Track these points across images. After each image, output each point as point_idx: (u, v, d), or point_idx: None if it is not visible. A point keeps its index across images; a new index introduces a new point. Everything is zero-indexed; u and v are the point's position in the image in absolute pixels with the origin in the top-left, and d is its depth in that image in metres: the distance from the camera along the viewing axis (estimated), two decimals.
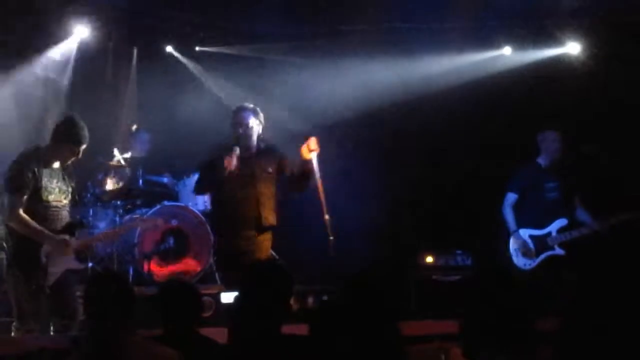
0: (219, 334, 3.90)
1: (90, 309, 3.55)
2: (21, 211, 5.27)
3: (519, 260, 7.11)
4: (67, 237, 5.44)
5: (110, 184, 8.26)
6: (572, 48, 9.06)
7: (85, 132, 5.49)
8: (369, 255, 7.99)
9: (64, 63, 9.17)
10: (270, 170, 6.13)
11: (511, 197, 7.25)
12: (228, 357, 3.42)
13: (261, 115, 6.22)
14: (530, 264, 7.06)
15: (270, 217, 6.14)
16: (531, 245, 7.07)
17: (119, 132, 9.70)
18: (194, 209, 8.00)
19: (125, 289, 3.58)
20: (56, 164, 5.50)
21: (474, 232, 8.37)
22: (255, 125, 6.15)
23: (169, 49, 9.84)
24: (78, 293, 5.56)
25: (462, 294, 2.61)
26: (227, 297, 6.80)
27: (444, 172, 9.13)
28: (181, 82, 9.75)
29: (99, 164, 8.23)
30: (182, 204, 8.09)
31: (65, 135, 5.46)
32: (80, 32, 9.04)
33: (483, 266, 7.72)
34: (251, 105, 6.22)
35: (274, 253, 7.82)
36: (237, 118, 6.13)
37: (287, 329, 3.40)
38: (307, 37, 9.35)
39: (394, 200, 9.09)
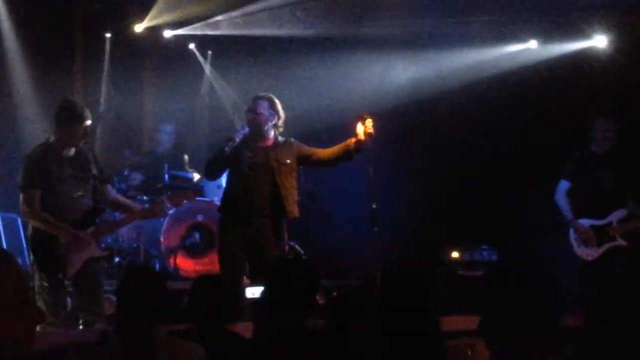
0: (244, 329, 3.91)
1: (124, 305, 3.55)
2: (35, 207, 5.30)
3: (581, 251, 6.97)
4: (82, 232, 5.40)
5: (136, 180, 8.32)
6: (599, 41, 8.97)
7: (85, 110, 5.48)
8: (395, 250, 7.96)
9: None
10: (288, 161, 6.07)
11: (564, 185, 7.09)
12: (253, 352, 3.42)
13: (278, 106, 6.13)
14: (593, 255, 6.94)
15: (294, 209, 6.11)
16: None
17: (144, 127, 9.77)
18: (218, 204, 8.02)
19: (159, 285, 3.58)
20: (70, 152, 5.46)
21: (501, 227, 8.33)
22: (268, 114, 6.07)
23: (191, 46, 9.88)
24: (106, 288, 5.58)
25: (485, 288, 2.59)
26: (252, 292, 6.82)
27: (471, 165, 9.07)
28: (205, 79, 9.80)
29: (124, 160, 8.29)
30: (207, 199, 8.11)
31: (67, 118, 5.42)
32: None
33: (505, 262, 7.69)
34: (268, 95, 6.17)
35: (298, 247, 7.86)
36: (251, 105, 6.11)
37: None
38: (331, 33, 9.33)
39: (420, 194, 9.05)
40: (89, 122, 5.45)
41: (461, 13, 8.86)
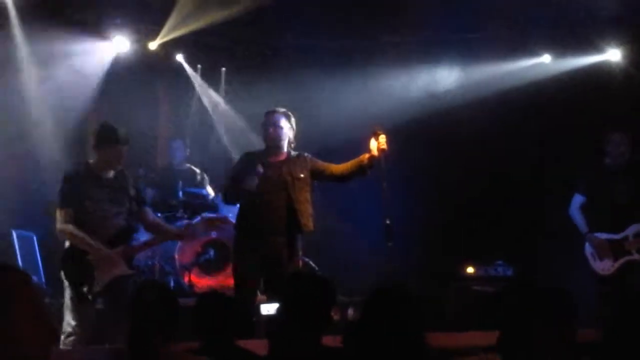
0: (259, 346, 3.90)
1: (135, 321, 3.55)
2: (68, 225, 5.44)
3: (597, 265, 6.92)
4: (111, 250, 5.50)
5: (149, 197, 8.34)
6: (613, 55, 8.96)
7: (124, 132, 5.62)
8: (407, 265, 7.94)
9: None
10: (302, 175, 6.03)
11: (579, 199, 7.07)
12: None
13: (293, 120, 6.13)
14: (608, 269, 6.88)
15: (309, 223, 6.05)
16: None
17: (157, 144, 9.82)
18: (233, 220, 8.02)
19: (170, 301, 3.58)
20: (108, 174, 5.61)
21: (516, 242, 8.30)
22: (286, 128, 6.06)
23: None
24: None
25: (501, 304, 2.59)
26: (267, 309, 6.82)
27: (486, 180, 9.05)
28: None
29: (138, 177, 8.32)
30: (222, 216, 8.11)
31: (104, 139, 5.57)
32: (119, 43, 9.18)
33: (521, 277, 7.65)
34: (283, 109, 6.15)
35: (312, 263, 7.86)
36: (268, 119, 6.05)
37: (327, 340, 3.39)
38: (346, 50, 9.38)
39: (436, 208, 9.04)
40: (125, 146, 5.60)
41: (475, 27, 8.87)
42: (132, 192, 5.70)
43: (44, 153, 8.54)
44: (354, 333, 2.74)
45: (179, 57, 9.78)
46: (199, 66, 10.05)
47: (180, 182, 8.41)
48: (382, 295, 2.90)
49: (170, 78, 10.16)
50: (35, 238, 7.94)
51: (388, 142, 5.80)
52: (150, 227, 5.98)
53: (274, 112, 6.08)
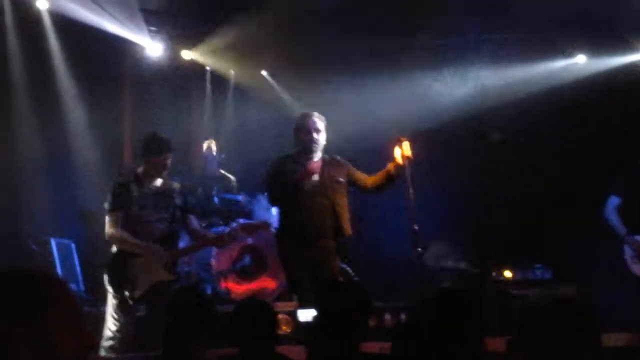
0: (297, 352, 3.91)
1: (169, 327, 3.57)
2: (116, 229, 5.59)
3: (637, 268, 6.83)
4: (160, 250, 5.65)
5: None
6: None
7: (169, 142, 5.76)
8: (446, 270, 7.91)
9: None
10: (341, 179, 6.00)
11: (615, 201, 6.98)
12: None
13: (325, 124, 6.13)
14: None
15: (348, 227, 6.03)
16: None
17: (194, 151, 9.88)
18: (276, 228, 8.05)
19: (207, 308, 3.60)
20: (155, 182, 5.76)
21: (554, 245, 8.22)
22: (324, 132, 6.06)
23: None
24: None
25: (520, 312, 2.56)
26: (305, 315, 6.82)
27: (521, 183, 8.98)
28: (252, 101, 9.89)
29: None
30: (262, 221, 8.13)
31: (147, 149, 5.74)
32: (154, 50, 9.28)
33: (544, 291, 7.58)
34: (317, 113, 6.12)
35: (348, 268, 7.85)
36: (308, 122, 6.01)
37: (366, 346, 3.39)
38: (378, 52, 9.38)
39: (472, 212, 8.99)
40: (168, 155, 5.73)
41: (508, 28, 8.83)
42: (179, 200, 5.84)
43: (79, 162, 8.64)
44: (406, 337, 2.71)
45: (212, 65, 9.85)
46: (231, 72, 10.12)
47: (216, 189, 8.45)
48: (444, 299, 2.88)
49: (204, 84, 10.25)
50: (73, 246, 8.04)
51: (412, 148, 5.77)
52: (192, 234, 6.08)
53: (312, 115, 6.05)
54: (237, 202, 8.72)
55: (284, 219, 6.14)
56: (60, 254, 7.83)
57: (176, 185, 5.92)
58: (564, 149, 8.85)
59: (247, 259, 7.91)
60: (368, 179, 6.05)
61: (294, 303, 6.56)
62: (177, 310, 3.60)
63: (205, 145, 9.12)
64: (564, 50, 9.30)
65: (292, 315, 6.75)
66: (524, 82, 9.16)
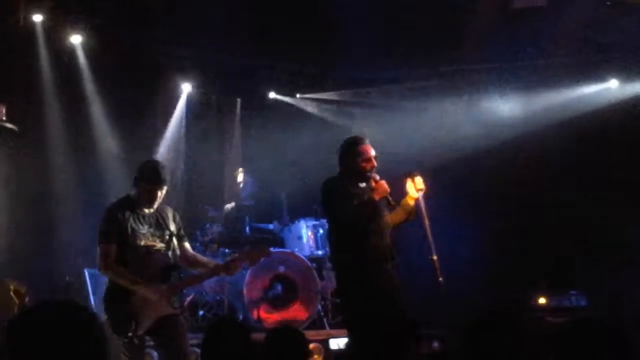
0: None
1: (209, 358, 3.55)
2: (109, 261, 5.23)
3: None
4: (158, 286, 5.26)
5: (215, 233, 8.44)
6: None
7: (160, 174, 5.34)
8: (479, 297, 7.83)
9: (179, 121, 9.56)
10: (391, 202, 5.71)
11: None
12: None
13: None
14: None
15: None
16: None
17: (225, 181, 9.95)
18: (300, 255, 8.05)
19: (245, 337, 3.58)
20: (149, 209, 5.40)
21: (589, 271, 8.12)
22: None
23: (272, 94, 10.13)
24: (192, 341, 5.56)
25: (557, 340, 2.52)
26: (336, 343, 6.80)
27: (556, 206, 8.90)
28: (282, 130, 9.94)
29: (207, 214, 8.45)
30: (289, 250, 8.15)
31: (139, 177, 5.36)
32: (185, 89, 9.43)
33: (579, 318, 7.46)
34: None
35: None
36: (367, 147, 5.70)
37: None
38: (408, 79, 9.42)
39: (504, 238, 8.92)
40: (164, 188, 5.37)
41: (541, 53, 8.82)
42: (173, 227, 5.49)
43: (111, 192, 8.72)
44: None
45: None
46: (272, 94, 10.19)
47: (247, 218, 8.48)
48: (491, 325, 2.83)
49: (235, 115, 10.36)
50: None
51: (425, 182, 5.68)
52: (189, 262, 5.72)
53: (366, 140, 5.77)
54: (269, 230, 8.75)
55: (360, 240, 5.66)
56: (93, 283, 7.89)
57: (169, 209, 5.56)
58: (596, 174, 8.76)
59: (278, 288, 7.91)
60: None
61: (326, 331, 6.50)
62: (215, 340, 3.56)
63: (237, 175, 9.18)
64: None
65: (324, 343, 6.74)
66: (555, 107, 9.11)
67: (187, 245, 5.60)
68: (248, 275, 7.75)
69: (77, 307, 1.88)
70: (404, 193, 5.70)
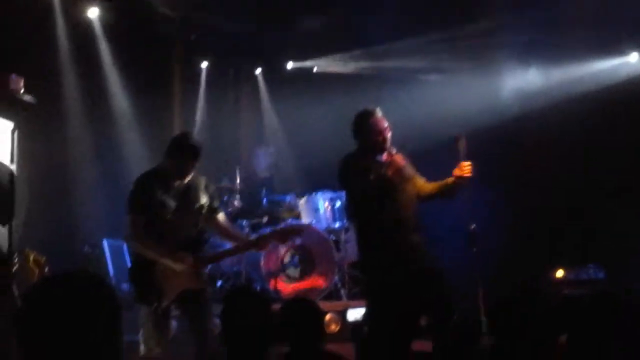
0: (346, 351, 3.90)
1: (229, 328, 3.55)
2: (138, 232, 5.25)
3: None
4: (185, 255, 5.26)
5: (234, 205, 8.46)
6: None
7: (198, 148, 5.34)
8: (497, 272, 7.82)
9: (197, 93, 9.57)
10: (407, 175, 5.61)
11: None
12: None
13: None
14: None
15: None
16: None
17: (242, 152, 9.95)
18: (317, 227, 8.06)
19: (265, 307, 3.59)
20: (179, 181, 5.37)
21: (607, 244, 8.09)
22: None
23: (290, 64, 10.11)
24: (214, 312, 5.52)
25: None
26: (353, 314, 6.82)
27: (576, 180, 8.86)
28: (300, 102, 9.91)
29: (223, 186, 8.45)
30: (296, 225, 8.15)
31: (177, 150, 5.35)
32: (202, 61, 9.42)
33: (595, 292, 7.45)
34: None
35: None
36: (382, 121, 5.58)
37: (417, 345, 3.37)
38: (428, 51, 9.37)
39: (524, 211, 8.90)
40: (195, 161, 5.34)
41: (560, 27, 8.73)
42: (204, 199, 5.45)
43: (130, 163, 8.74)
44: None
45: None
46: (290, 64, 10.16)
47: (264, 190, 8.48)
48: (514, 302, 2.82)
49: (253, 86, 10.35)
50: (125, 246, 8.14)
51: (473, 169, 5.57)
52: (222, 234, 5.72)
53: (379, 113, 5.63)
54: (285, 202, 8.75)
55: (374, 215, 5.58)
56: (112, 254, 7.95)
57: (202, 181, 5.50)
58: (616, 147, 8.71)
59: (295, 259, 7.93)
60: (425, 186, 5.72)
61: (344, 302, 6.50)
62: (234, 310, 3.56)
63: (256, 147, 9.19)
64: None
65: (341, 314, 6.76)
66: (576, 81, 9.04)
67: (220, 216, 5.56)
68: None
69: (91, 278, 1.88)
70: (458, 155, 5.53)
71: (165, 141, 5.54)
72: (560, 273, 7.68)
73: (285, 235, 5.74)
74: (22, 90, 6.12)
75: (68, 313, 1.78)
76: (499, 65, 9.40)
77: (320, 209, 8.37)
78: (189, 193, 5.39)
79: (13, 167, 5.81)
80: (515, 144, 9.12)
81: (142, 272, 5.25)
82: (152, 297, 5.19)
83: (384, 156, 5.49)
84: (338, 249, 8.08)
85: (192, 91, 9.71)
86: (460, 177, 5.44)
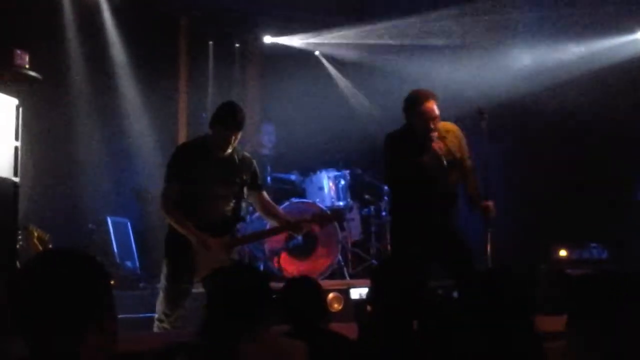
0: (349, 330, 3.91)
1: (215, 303, 3.54)
2: (169, 202, 5.14)
3: None
4: (211, 238, 5.14)
5: None
6: None
7: (236, 117, 5.16)
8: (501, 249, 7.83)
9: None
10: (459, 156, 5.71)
11: None
12: (359, 353, 3.41)
13: None
14: None
15: None
16: None
17: (248, 128, 9.93)
18: (321, 206, 8.07)
19: (265, 285, 3.58)
20: (223, 153, 5.23)
21: (610, 224, 8.08)
22: None
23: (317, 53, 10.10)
24: None
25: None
26: (356, 293, 6.83)
27: (580, 160, 8.83)
28: (306, 78, 9.88)
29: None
30: (310, 201, 8.16)
31: (216, 119, 5.21)
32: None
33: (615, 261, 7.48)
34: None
35: None
36: (431, 111, 5.53)
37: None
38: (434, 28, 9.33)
39: (528, 191, 8.89)
40: (236, 132, 5.18)
41: (565, 4, 8.67)
42: (246, 176, 5.33)
43: (135, 141, 8.75)
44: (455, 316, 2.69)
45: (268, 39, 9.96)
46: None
47: (269, 168, 8.48)
48: (484, 279, 2.84)
49: (259, 63, 10.31)
50: (129, 224, 8.16)
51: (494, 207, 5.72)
52: (264, 212, 5.60)
53: (433, 98, 5.58)
54: (290, 181, 8.75)
55: (404, 193, 5.75)
56: (116, 232, 7.96)
57: (247, 157, 5.39)
58: (621, 126, 8.67)
59: (299, 238, 7.93)
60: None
61: (347, 281, 6.53)
62: (233, 287, 3.56)
63: (264, 123, 9.18)
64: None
65: (344, 293, 6.77)
66: (581, 59, 8.99)
67: (263, 194, 5.50)
68: (269, 224, 7.78)
69: (82, 256, 1.89)
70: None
71: (171, 121, 5.53)
72: (563, 252, 7.70)
73: (325, 220, 5.69)
74: (27, 66, 6.12)
75: (56, 287, 1.80)
76: (509, 42, 9.34)
77: (325, 188, 8.38)
78: (230, 166, 5.28)
79: (18, 143, 5.83)
80: (517, 124, 9.09)
81: (177, 246, 5.17)
82: (185, 275, 5.13)
83: (429, 139, 5.52)
84: (342, 228, 8.10)
85: (197, 69, 9.67)
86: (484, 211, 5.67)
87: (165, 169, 5.24)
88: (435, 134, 5.54)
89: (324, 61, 10.24)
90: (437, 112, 5.54)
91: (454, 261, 5.58)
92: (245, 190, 5.34)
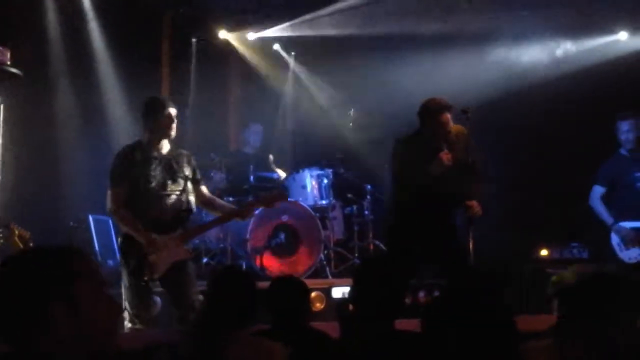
0: (330, 329, 3.91)
1: (212, 304, 3.56)
2: (117, 205, 5.26)
3: (624, 254, 6.86)
4: (164, 237, 5.26)
5: (221, 181, 8.44)
6: None
7: (165, 99, 5.44)
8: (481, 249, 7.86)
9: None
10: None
11: (598, 190, 7.05)
12: (340, 351, 3.42)
13: None
14: (636, 257, 6.79)
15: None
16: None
17: (230, 129, 9.92)
18: (304, 204, 8.07)
19: (251, 287, 3.59)
20: (160, 150, 5.39)
21: (591, 223, 8.13)
22: None
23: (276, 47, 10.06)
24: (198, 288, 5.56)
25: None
26: (338, 292, 6.84)
27: (560, 161, 8.88)
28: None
29: (211, 161, 8.43)
30: (292, 200, 8.16)
31: (149, 112, 5.39)
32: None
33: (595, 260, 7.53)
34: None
35: (382, 245, 7.88)
36: (446, 124, 5.71)
37: (400, 324, 3.38)
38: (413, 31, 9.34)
39: (509, 191, 8.92)
40: (172, 110, 5.37)
41: (548, 4, 8.71)
42: (188, 170, 5.47)
43: (116, 139, 8.70)
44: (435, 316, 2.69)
45: (251, 36, 9.92)
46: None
47: (252, 167, 8.47)
48: (466, 278, 2.85)
49: (241, 63, 10.30)
50: (110, 222, 8.12)
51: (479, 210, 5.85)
52: (206, 205, 5.74)
53: (447, 107, 5.73)
54: (273, 179, 8.74)
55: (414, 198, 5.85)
56: (97, 230, 7.93)
57: (184, 153, 5.53)
58: (604, 126, 8.72)
59: (281, 236, 7.94)
60: None
61: (329, 280, 6.55)
62: (221, 289, 3.57)
63: (251, 122, 9.17)
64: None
65: (326, 292, 6.78)
66: (564, 59, 9.04)
67: (203, 188, 5.62)
68: (251, 223, 7.78)
69: (49, 253, 1.90)
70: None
71: None
72: (544, 252, 7.74)
73: (270, 200, 5.76)
74: (8, 62, 6.08)
75: (32, 284, 1.82)
76: (488, 41, 9.36)
77: (308, 186, 8.38)
78: (172, 164, 5.41)
79: None
80: (502, 121, 9.12)
81: (133, 245, 5.25)
82: (144, 271, 5.20)
83: (439, 149, 5.65)
84: (324, 227, 8.10)
85: (180, 66, 9.65)
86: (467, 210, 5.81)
87: (109, 174, 5.35)
88: (445, 145, 5.68)
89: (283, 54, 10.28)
90: (451, 124, 5.70)
91: (451, 263, 5.69)
92: (189, 184, 5.46)
